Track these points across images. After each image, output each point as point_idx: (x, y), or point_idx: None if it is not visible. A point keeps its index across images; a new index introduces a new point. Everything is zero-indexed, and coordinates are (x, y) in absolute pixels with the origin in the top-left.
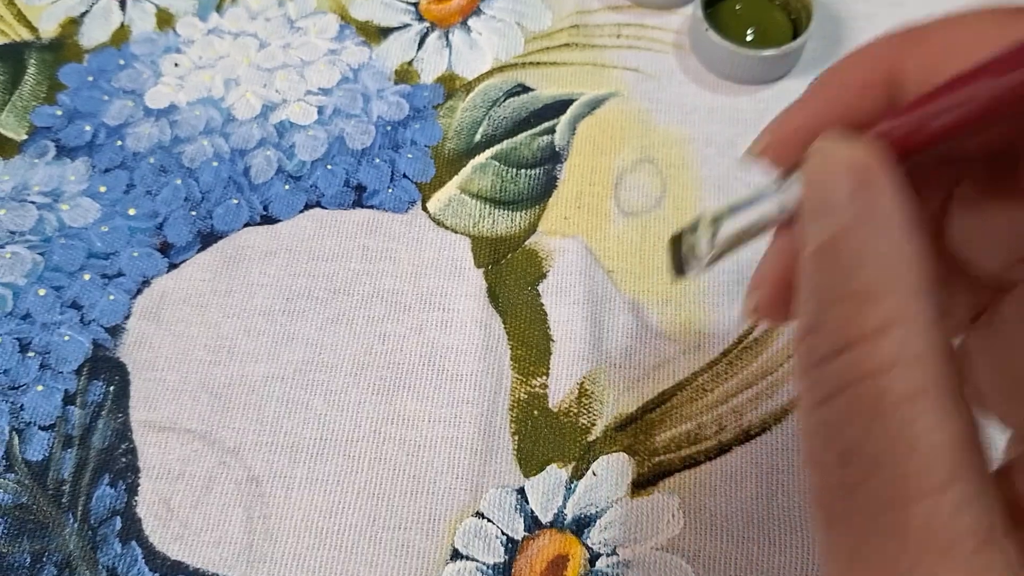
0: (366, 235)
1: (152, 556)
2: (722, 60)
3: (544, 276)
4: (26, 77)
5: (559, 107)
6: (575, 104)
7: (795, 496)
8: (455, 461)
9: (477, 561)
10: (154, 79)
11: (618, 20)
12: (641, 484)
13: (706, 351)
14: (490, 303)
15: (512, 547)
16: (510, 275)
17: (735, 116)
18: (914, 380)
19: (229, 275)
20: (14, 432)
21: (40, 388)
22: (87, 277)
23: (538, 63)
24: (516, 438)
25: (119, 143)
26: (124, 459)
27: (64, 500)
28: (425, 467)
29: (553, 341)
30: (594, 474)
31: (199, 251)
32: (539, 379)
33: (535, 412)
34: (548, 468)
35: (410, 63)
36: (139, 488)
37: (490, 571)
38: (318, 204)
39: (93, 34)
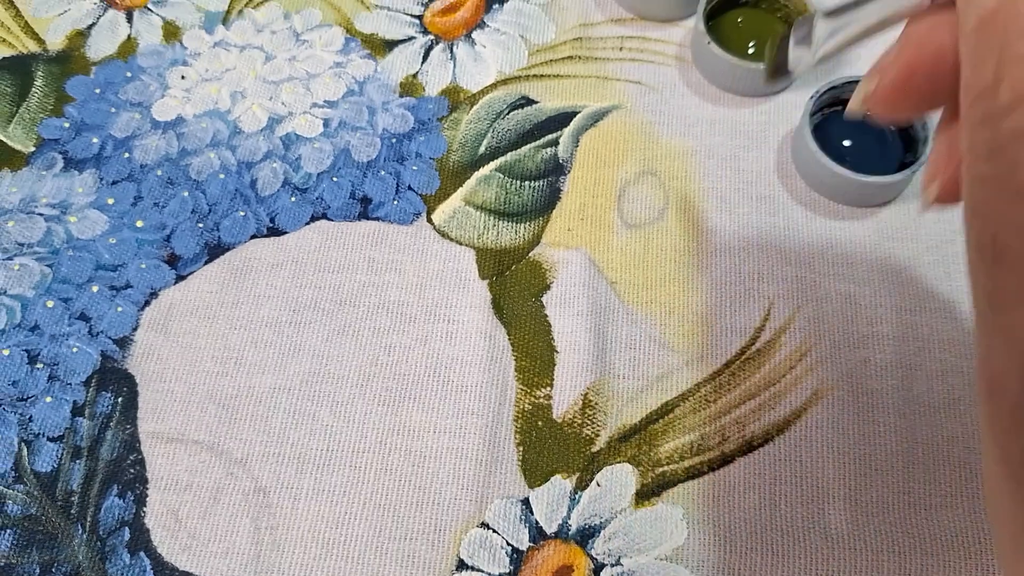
0: (372, 247)
1: (160, 567)
2: (724, 73)
3: (548, 287)
4: (34, 89)
5: (563, 119)
6: (578, 116)
7: (798, 507)
8: (460, 472)
9: (482, 572)
10: (161, 91)
11: (621, 33)
12: (645, 495)
13: (709, 362)
14: (494, 314)
15: (517, 558)
16: (514, 287)
17: (737, 128)
18: None
19: (236, 287)
20: (23, 443)
21: (49, 400)
22: (95, 289)
23: (542, 76)
24: (521, 449)
25: (126, 155)
26: (132, 470)
27: (73, 511)
28: (430, 478)
29: (557, 352)
30: (598, 485)
31: (206, 263)
32: (543, 390)
33: (539, 423)
34: (552, 479)
35: (415, 76)
36: (147, 499)
37: None
38: (324, 216)
39: (100, 46)
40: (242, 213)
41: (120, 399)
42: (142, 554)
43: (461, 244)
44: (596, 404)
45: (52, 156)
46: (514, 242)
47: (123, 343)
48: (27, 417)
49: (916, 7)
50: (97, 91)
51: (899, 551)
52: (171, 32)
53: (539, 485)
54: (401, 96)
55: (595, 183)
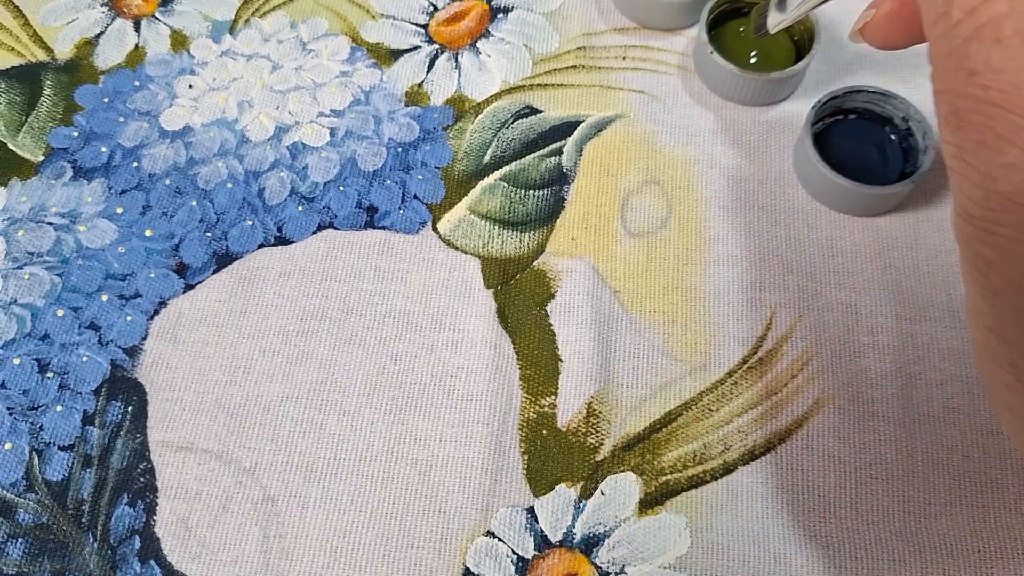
0: (378, 256)
1: (171, 575)
2: (726, 82)
3: (552, 296)
4: (42, 98)
5: (566, 129)
6: (582, 126)
7: (800, 515)
8: (466, 480)
9: None
10: (169, 101)
11: (624, 42)
12: (648, 503)
13: (711, 371)
14: (499, 323)
15: (522, 566)
16: (519, 295)
17: (739, 138)
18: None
19: (244, 296)
20: (34, 452)
21: (59, 408)
22: (105, 298)
23: (545, 85)
24: (526, 457)
25: (135, 164)
26: (142, 479)
27: (84, 520)
28: (436, 486)
29: (561, 361)
30: (602, 493)
31: (215, 272)
32: (548, 399)
33: (544, 432)
34: (557, 487)
35: (420, 85)
36: (157, 508)
37: None
38: (331, 225)
39: (108, 55)
40: (250, 222)
41: (130, 408)
42: (152, 562)
43: (466, 253)
44: (600, 413)
45: (61, 165)
46: (519, 251)
47: (132, 352)
48: (38, 426)
49: None
50: (105, 100)
51: (899, 559)
52: (178, 41)
53: (544, 494)
54: (407, 105)
55: (599, 192)
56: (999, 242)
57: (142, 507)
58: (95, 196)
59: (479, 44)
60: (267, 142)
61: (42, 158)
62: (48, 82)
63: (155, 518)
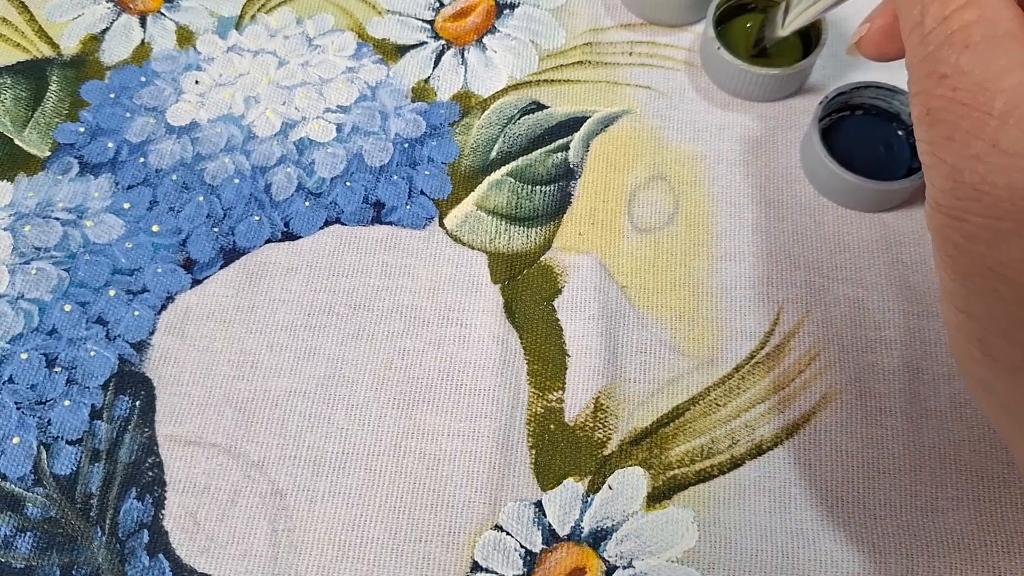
0: (385, 251)
1: (179, 569)
2: (733, 78)
3: (559, 292)
4: (48, 94)
5: (573, 124)
6: (589, 121)
7: (807, 509)
8: (474, 475)
9: (496, 574)
10: (175, 96)
11: (630, 38)
12: (656, 497)
13: (719, 366)
14: (507, 318)
15: (530, 560)
16: (526, 291)
17: (745, 133)
18: (990, 28)
19: (252, 291)
20: (42, 446)
21: (67, 403)
22: (112, 293)
23: (552, 81)
24: (533, 452)
25: (142, 160)
26: (151, 473)
27: (92, 514)
28: (445, 481)
29: (569, 356)
30: (610, 487)
31: (222, 267)
32: (555, 393)
33: (552, 426)
34: (565, 482)
35: (427, 81)
36: (166, 501)
37: None
38: (338, 220)
39: (114, 51)
40: (257, 217)
41: (138, 402)
42: (161, 556)
43: (473, 248)
44: (607, 407)
45: (68, 161)
46: (526, 246)
47: (140, 347)
48: (46, 420)
49: None
50: (112, 96)
51: (907, 553)
52: (185, 37)
53: (552, 488)
54: (413, 101)
55: (605, 188)
56: (966, 228)
57: (150, 501)
58: (102, 191)
59: (485, 40)
60: (274, 138)
61: (48, 153)
62: (54, 78)
63: (163, 512)
